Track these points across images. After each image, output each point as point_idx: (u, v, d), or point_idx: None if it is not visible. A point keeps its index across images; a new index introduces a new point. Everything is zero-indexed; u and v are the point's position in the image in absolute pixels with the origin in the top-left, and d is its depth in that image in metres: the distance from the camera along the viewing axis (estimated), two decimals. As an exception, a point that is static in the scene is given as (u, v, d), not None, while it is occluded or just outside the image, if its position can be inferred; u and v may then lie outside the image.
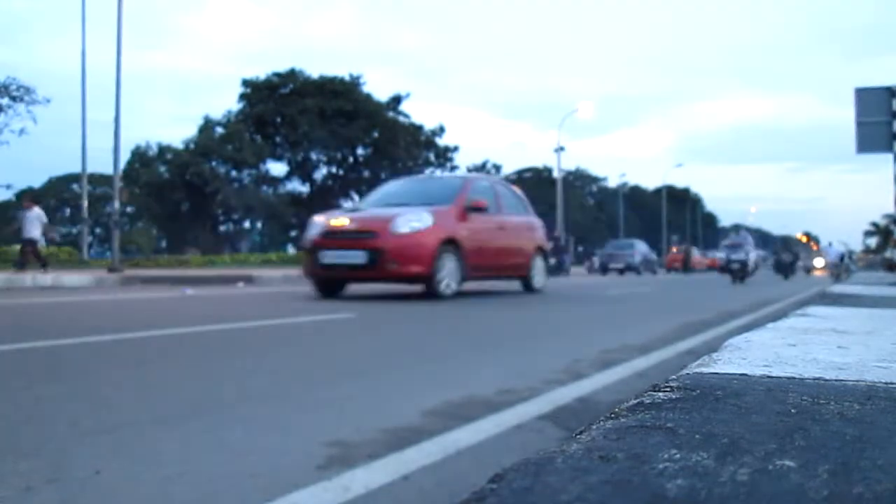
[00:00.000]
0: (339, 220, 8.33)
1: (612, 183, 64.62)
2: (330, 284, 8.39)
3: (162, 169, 38.78)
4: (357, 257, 7.81)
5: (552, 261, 23.96)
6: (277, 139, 41.38)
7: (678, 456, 0.94)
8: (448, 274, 8.07)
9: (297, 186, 43.36)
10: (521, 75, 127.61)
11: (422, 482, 1.56)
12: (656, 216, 59.05)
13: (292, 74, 41.34)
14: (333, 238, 8.05)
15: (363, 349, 3.95)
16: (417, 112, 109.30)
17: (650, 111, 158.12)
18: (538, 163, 64.33)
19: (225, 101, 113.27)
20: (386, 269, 7.73)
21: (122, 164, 20.45)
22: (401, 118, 42.81)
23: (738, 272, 16.76)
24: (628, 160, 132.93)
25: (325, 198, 37.80)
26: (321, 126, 39.32)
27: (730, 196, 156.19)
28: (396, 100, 43.12)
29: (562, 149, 35.85)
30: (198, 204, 38.36)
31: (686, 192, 76.66)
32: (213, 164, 38.59)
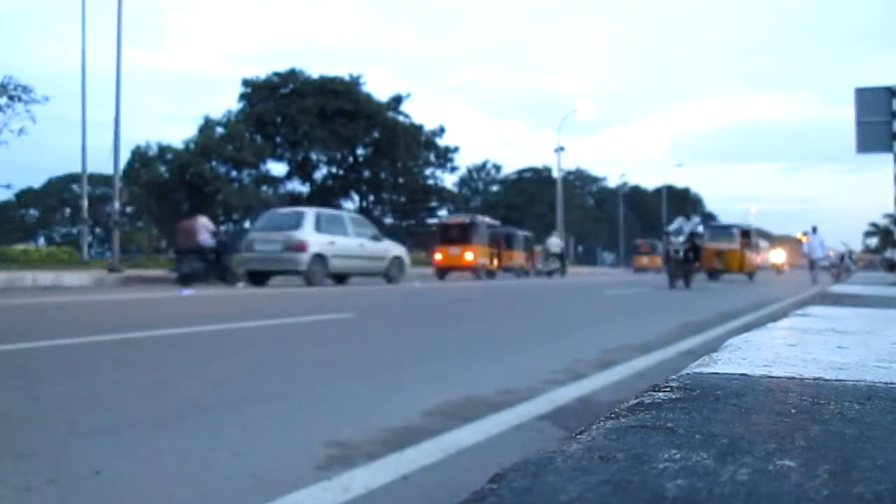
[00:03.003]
0: None
1: (612, 183, 64.63)
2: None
3: (162, 169, 38.74)
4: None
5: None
6: (277, 139, 41.34)
7: (678, 456, 0.94)
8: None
9: (297, 186, 43.30)
10: (516, 75, 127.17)
11: (422, 482, 1.56)
12: (656, 216, 59.03)
13: (292, 74, 41.31)
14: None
15: (363, 349, 3.95)
16: (414, 112, 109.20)
17: (648, 111, 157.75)
18: (534, 162, 64.40)
19: (225, 101, 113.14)
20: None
21: (122, 164, 20.41)
22: (401, 118, 42.78)
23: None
24: (628, 160, 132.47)
25: (325, 198, 37.78)
26: (321, 126, 39.30)
27: (730, 196, 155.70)
28: (397, 100, 43.09)
29: (562, 149, 35.81)
30: (198, 204, 38.26)
31: (686, 191, 76.64)
32: (213, 163, 38.55)
